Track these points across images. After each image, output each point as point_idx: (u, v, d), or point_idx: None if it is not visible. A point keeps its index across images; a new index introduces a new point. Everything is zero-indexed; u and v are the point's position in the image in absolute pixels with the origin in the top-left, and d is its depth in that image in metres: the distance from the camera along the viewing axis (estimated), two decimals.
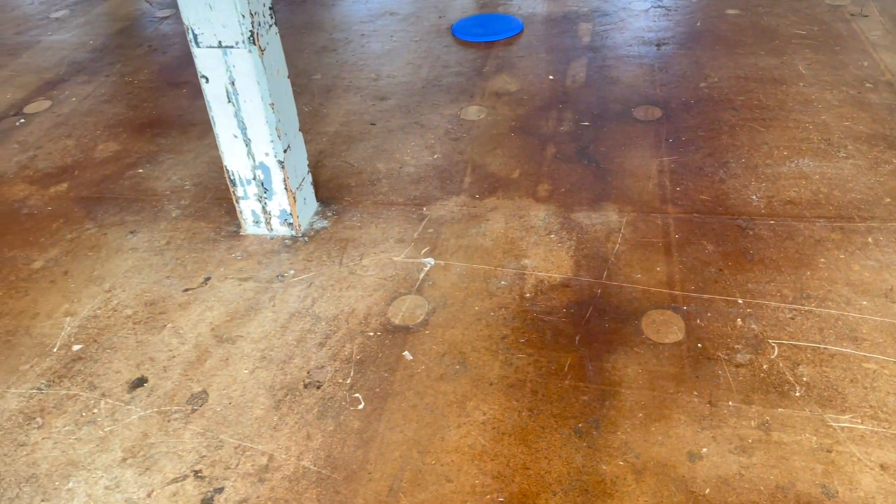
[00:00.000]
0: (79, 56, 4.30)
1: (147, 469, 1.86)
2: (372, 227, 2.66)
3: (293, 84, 3.69)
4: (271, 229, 2.66)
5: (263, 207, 2.61)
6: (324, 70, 3.86)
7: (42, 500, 1.80)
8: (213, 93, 2.37)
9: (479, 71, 3.70)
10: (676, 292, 2.23)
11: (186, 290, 2.45)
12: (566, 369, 2.02)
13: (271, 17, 2.36)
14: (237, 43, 2.24)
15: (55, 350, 2.24)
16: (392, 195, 2.83)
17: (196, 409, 2.01)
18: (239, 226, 2.72)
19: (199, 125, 3.45)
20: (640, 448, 1.79)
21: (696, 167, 2.80)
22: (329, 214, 2.75)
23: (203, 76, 2.34)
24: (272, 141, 2.44)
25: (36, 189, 3.06)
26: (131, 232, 2.75)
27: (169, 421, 1.98)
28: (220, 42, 2.25)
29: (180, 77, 3.94)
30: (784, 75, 3.37)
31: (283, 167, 2.50)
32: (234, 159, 2.51)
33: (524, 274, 2.36)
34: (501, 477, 1.76)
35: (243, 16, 2.20)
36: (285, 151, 2.51)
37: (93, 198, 2.97)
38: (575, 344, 2.09)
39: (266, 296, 2.39)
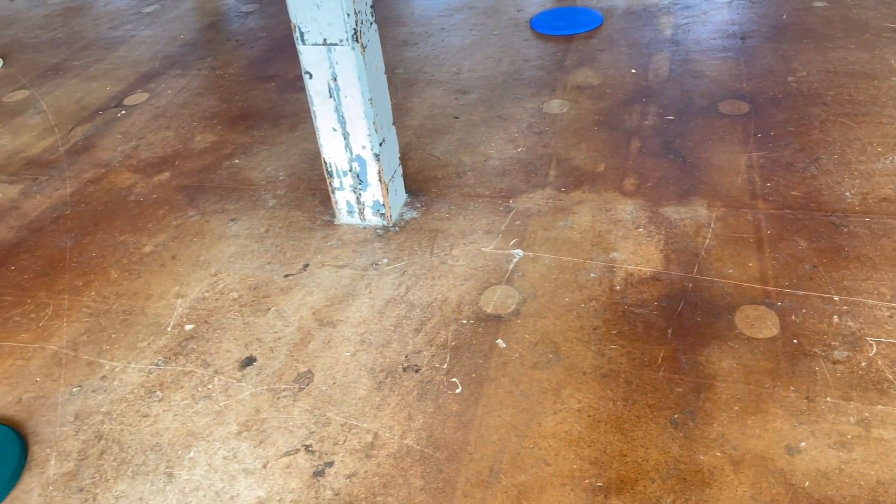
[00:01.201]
0: (171, 50, 4.50)
1: (261, 442, 1.98)
2: (460, 219, 2.74)
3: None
4: (364, 219, 2.77)
5: (358, 198, 2.72)
6: (405, 64, 3.95)
7: (167, 467, 1.95)
8: (315, 88, 2.48)
9: (560, 65, 3.73)
10: (770, 288, 2.24)
11: (287, 275, 2.57)
12: (659, 361, 2.06)
13: (372, 16, 2.46)
14: (341, 40, 2.34)
15: (169, 329, 2.40)
16: (478, 187, 2.90)
17: (303, 388, 2.13)
18: (333, 215, 2.84)
19: (289, 117, 3.58)
20: (738, 440, 1.82)
21: (786, 163, 2.78)
22: (418, 205, 2.84)
23: (307, 72, 2.45)
24: (369, 135, 2.54)
25: (140, 178, 3.24)
26: (232, 219, 2.89)
27: (278, 398, 2.11)
28: (325, 39, 2.35)
29: (268, 71, 4.09)
30: (876, 70, 3.30)
31: (378, 160, 2.60)
32: (333, 152, 2.62)
33: (613, 267, 2.40)
34: (599, 463, 1.82)
35: (348, 14, 2.29)
36: (381, 145, 2.60)
37: (194, 186, 3.13)
38: (667, 337, 2.13)
39: (362, 283, 2.50)
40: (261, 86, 3.94)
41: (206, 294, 2.53)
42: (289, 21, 4.81)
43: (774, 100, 3.18)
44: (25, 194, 3.20)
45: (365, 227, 2.76)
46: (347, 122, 2.53)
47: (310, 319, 2.38)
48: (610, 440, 1.87)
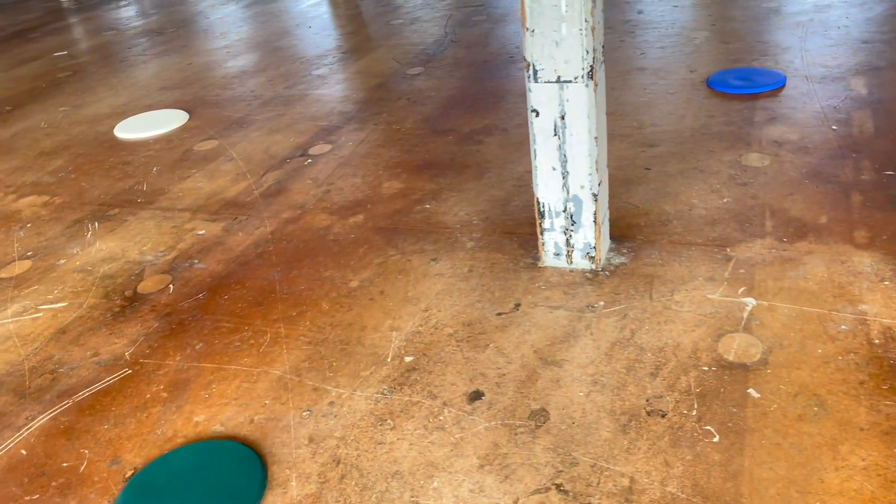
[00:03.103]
0: (346, 107, 4.70)
1: (506, 477, 1.89)
2: (675, 265, 2.63)
3: None
4: (571, 262, 2.71)
5: (567, 240, 2.67)
6: None
7: (412, 496, 1.88)
8: (540, 126, 2.48)
9: (750, 121, 3.63)
10: None
11: (499, 314, 2.52)
12: None
13: (602, 54, 2.46)
14: (576, 78, 2.35)
15: (389, 360, 2.38)
16: (688, 235, 2.79)
17: (540, 426, 2.03)
18: (536, 258, 2.79)
19: (472, 167, 3.62)
20: None
21: None
22: (624, 251, 2.76)
23: (534, 110, 2.46)
24: (590, 174, 2.51)
25: (336, 219, 3.32)
26: (433, 259, 2.90)
27: (516, 434, 2.02)
28: (558, 77, 2.37)
29: (444, 126, 4.18)
30: None
31: (596, 200, 2.55)
32: (548, 191, 2.60)
33: (865, 320, 2.22)
34: None
35: (587, 52, 2.30)
36: (599, 184, 2.56)
37: (389, 228, 3.18)
38: None
39: (580, 324, 2.41)
40: (439, 139, 4.03)
41: (421, 328, 2.51)
42: (456, 82, 4.97)
43: None
44: (228, 231, 3.34)
45: (571, 271, 2.69)
46: (569, 161, 2.50)
47: (532, 357, 2.30)
48: None
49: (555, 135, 2.47)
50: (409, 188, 3.52)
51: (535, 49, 2.34)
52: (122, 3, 8.62)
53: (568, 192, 2.57)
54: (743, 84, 4.03)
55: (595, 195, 2.54)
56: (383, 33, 6.16)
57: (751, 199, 2.96)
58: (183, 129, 4.68)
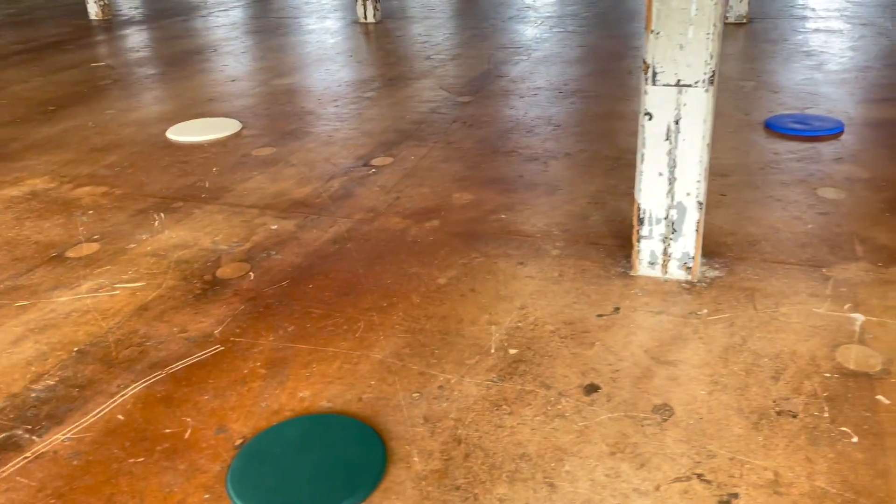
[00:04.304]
0: (401, 126, 4.73)
1: (641, 465, 1.83)
2: (773, 281, 2.62)
3: (622, 161, 3.87)
4: (666, 272, 2.69)
5: (665, 249, 2.66)
6: None
7: (545, 477, 1.80)
8: (652, 130, 2.50)
9: (817, 159, 3.69)
10: None
11: (600, 315, 2.49)
12: None
13: (718, 61, 2.50)
14: (696, 82, 2.38)
15: (492, 351, 2.32)
16: (779, 255, 2.79)
17: (666, 420, 1.98)
18: (627, 267, 2.77)
19: (542, 185, 3.63)
20: None
21: None
22: (717, 266, 2.75)
23: (647, 113, 2.48)
24: (698, 181, 2.52)
25: (411, 223, 3.30)
26: (519, 263, 2.87)
27: (643, 426, 1.96)
28: (678, 81, 2.40)
29: (504, 147, 4.21)
30: None
31: (701, 208, 2.56)
32: (651, 198, 2.60)
33: None
34: None
35: (711, 56, 2.34)
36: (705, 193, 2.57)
37: (467, 233, 3.16)
38: None
39: (687, 329, 2.38)
40: (502, 158, 4.05)
41: (520, 324, 2.46)
42: (509, 111, 5.03)
43: None
44: (301, 228, 3.30)
45: (666, 281, 2.67)
46: (678, 167, 2.52)
47: (643, 356, 2.26)
48: None
49: (666, 139, 2.49)
50: (480, 200, 3.51)
51: (658, 51, 2.38)
52: (152, 25, 8.72)
53: (672, 199, 2.57)
54: (802, 127, 4.11)
55: (700, 203, 2.55)
56: (426, 66, 6.26)
57: (836, 227, 2.98)
58: (236, 136, 4.67)
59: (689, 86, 2.39)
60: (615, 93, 5.14)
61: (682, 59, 2.36)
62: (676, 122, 2.45)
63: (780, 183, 3.44)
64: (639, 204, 2.63)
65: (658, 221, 2.63)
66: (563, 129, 4.46)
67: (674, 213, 2.59)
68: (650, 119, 2.48)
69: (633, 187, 3.53)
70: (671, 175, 2.54)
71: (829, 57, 5.74)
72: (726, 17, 7.19)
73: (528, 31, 7.43)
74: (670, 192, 2.57)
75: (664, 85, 2.42)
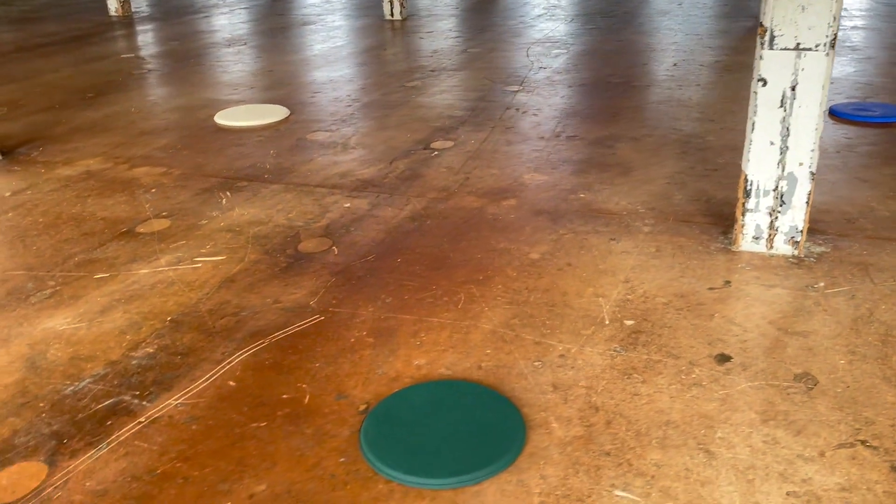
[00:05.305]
0: (454, 112, 4.65)
1: (798, 432, 1.73)
2: (884, 256, 2.53)
3: (691, 144, 3.77)
4: (771, 247, 2.60)
5: (772, 222, 2.57)
6: (715, 134, 3.92)
7: (698, 444, 1.70)
8: (766, 97, 2.41)
9: (893, 142, 3.61)
10: None
11: (711, 288, 2.39)
12: None
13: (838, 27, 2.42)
14: (817, 46, 2.30)
15: (607, 322, 2.23)
16: (883, 232, 2.71)
17: (811, 388, 1.88)
18: (727, 243, 2.68)
19: (614, 166, 3.55)
20: None
21: None
22: (820, 242, 2.66)
23: (761, 79, 2.40)
24: (812, 150, 2.43)
25: (487, 201, 3.21)
26: (611, 239, 2.78)
27: (788, 394, 1.86)
28: (797, 44, 2.31)
29: (566, 132, 4.12)
30: None
31: (812, 178, 2.47)
32: (759, 168, 2.51)
33: None
34: None
35: (834, 18, 2.25)
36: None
37: (548, 211, 3.07)
38: None
39: (807, 301, 2.29)
40: (565, 142, 3.96)
41: (629, 297, 2.36)
42: (559, 99, 4.96)
43: None
44: (375, 206, 3.20)
45: (771, 256, 2.58)
46: (791, 136, 2.43)
47: (767, 328, 2.16)
48: None
49: (780, 106, 2.40)
50: (554, 180, 3.42)
51: (777, 14, 2.29)
52: (174, 20, 8.65)
53: (783, 170, 2.49)
54: (868, 114, 4.04)
55: (813, 174, 2.46)
56: (464, 58, 6.18)
57: None
58: (287, 121, 4.58)
59: (810, 49, 2.30)
60: (665, 82, 5.07)
61: (804, 21, 2.27)
62: (793, 88, 2.37)
63: (862, 165, 3.35)
64: (746, 175, 2.54)
65: (766, 193, 2.54)
66: (620, 115, 4.38)
67: (783, 185, 2.50)
68: (764, 85, 2.40)
69: (709, 169, 3.45)
70: (783, 144, 2.45)
71: (875, 52, 5.68)
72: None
73: (561, 28, 7.37)
74: (781, 163, 2.48)
75: (782, 49, 2.33)
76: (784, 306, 2.26)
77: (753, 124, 2.46)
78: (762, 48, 2.35)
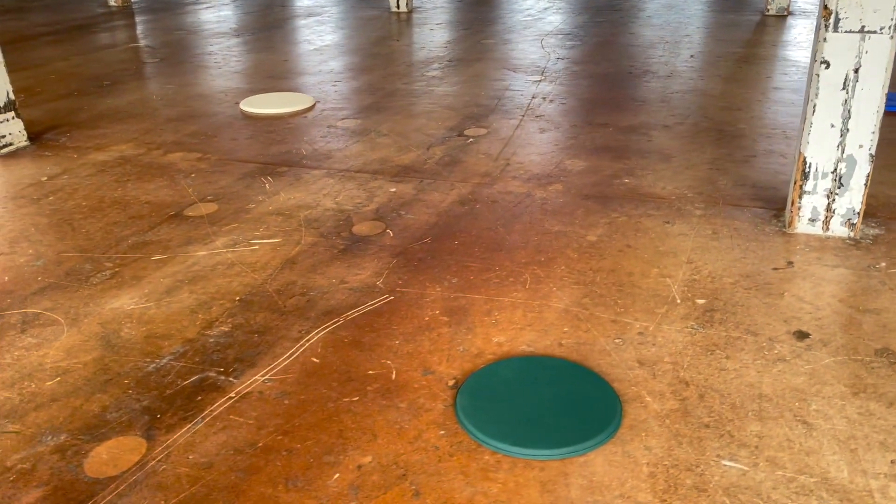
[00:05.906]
0: (480, 101, 4.64)
1: (891, 403, 1.74)
2: None
3: (725, 132, 3.79)
4: (827, 229, 2.62)
5: (829, 204, 2.59)
6: (752, 122, 3.95)
7: (795, 416, 1.72)
8: (828, 79, 2.43)
9: None
10: None
11: (775, 268, 2.42)
12: None
13: None
14: (882, 28, 2.32)
15: (678, 301, 2.24)
16: None
17: (894, 363, 1.91)
18: (782, 225, 2.71)
19: (653, 153, 3.56)
20: None
21: None
22: (873, 224, 2.69)
23: (824, 61, 2.42)
24: (873, 132, 2.45)
25: (533, 186, 3.21)
26: (666, 222, 2.79)
27: (872, 368, 1.89)
28: (862, 27, 2.34)
29: (597, 120, 4.14)
30: None
31: (872, 161, 2.49)
32: (819, 150, 2.53)
33: None
34: None
35: None
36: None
37: (596, 195, 3.08)
38: None
39: (872, 280, 2.31)
40: (599, 130, 3.97)
41: (695, 277, 2.38)
42: (584, 89, 4.98)
43: None
44: (421, 191, 3.20)
45: (828, 238, 2.61)
46: (852, 118, 2.45)
47: (839, 305, 2.18)
48: None
49: (843, 88, 2.43)
50: (595, 166, 3.43)
51: None
52: (176, 11, 8.58)
53: (842, 152, 2.51)
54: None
55: (872, 156, 2.49)
56: (480, 49, 6.18)
57: None
58: (313, 109, 4.56)
59: (874, 32, 2.33)
60: (686, 73, 5.10)
61: (869, 4, 2.30)
62: (856, 71, 2.39)
63: None
64: (804, 157, 2.57)
65: (824, 175, 2.56)
66: (649, 104, 4.40)
67: (842, 167, 2.53)
68: (827, 68, 2.42)
69: (748, 156, 3.48)
70: (844, 126, 2.47)
71: None
72: (767, 10, 7.21)
73: (570, 20, 7.38)
74: (841, 145, 2.50)
75: (846, 31, 2.35)
76: (851, 285, 2.29)
77: (814, 107, 2.48)
78: (825, 30, 2.37)
